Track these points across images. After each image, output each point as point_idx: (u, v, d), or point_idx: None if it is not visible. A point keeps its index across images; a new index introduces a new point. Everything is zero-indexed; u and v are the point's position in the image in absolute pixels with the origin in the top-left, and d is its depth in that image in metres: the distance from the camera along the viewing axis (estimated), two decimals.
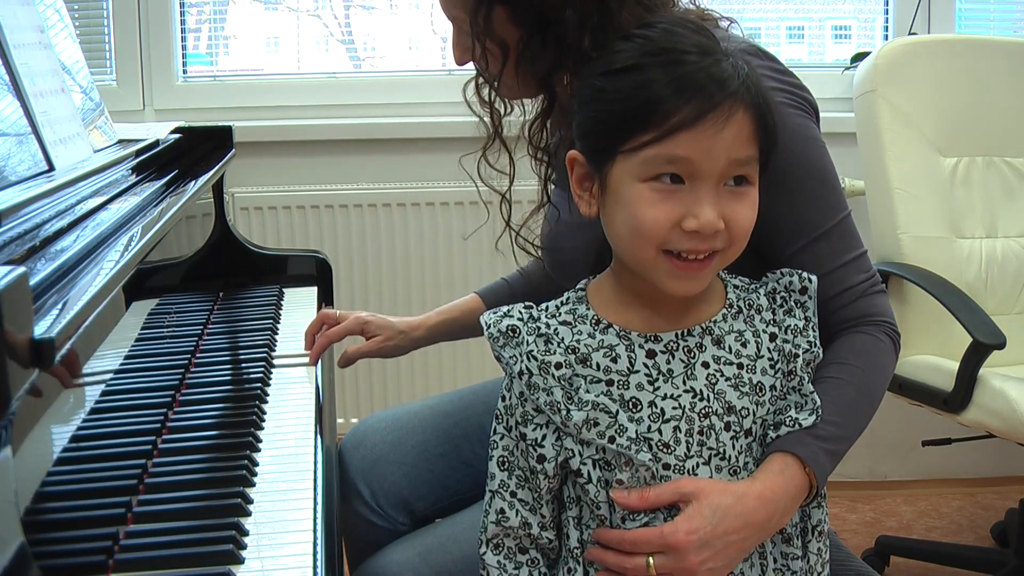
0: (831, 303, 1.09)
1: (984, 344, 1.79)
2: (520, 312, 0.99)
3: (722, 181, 0.92)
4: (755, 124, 0.93)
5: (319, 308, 1.72)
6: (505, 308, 1.00)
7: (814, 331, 1.03)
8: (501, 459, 1.01)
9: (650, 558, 0.95)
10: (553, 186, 1.25)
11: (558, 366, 0.96)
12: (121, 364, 1.10)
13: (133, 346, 1.16)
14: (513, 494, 1.00)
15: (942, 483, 2.67)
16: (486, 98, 1.25)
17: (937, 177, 2.11)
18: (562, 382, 0.96)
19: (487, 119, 1.24)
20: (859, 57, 2.39)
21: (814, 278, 1.04)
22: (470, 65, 1.26)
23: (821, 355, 1.04)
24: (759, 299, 1.03)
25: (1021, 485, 2.59)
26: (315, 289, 1.80)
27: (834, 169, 1.12)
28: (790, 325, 1.02)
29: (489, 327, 0.99)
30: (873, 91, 2.08)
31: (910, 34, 2.53)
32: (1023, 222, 2.18)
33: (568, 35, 1.08)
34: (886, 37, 2.69)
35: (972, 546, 2.38)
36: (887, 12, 2.70)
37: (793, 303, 1.03)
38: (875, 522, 2.50)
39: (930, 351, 2.00)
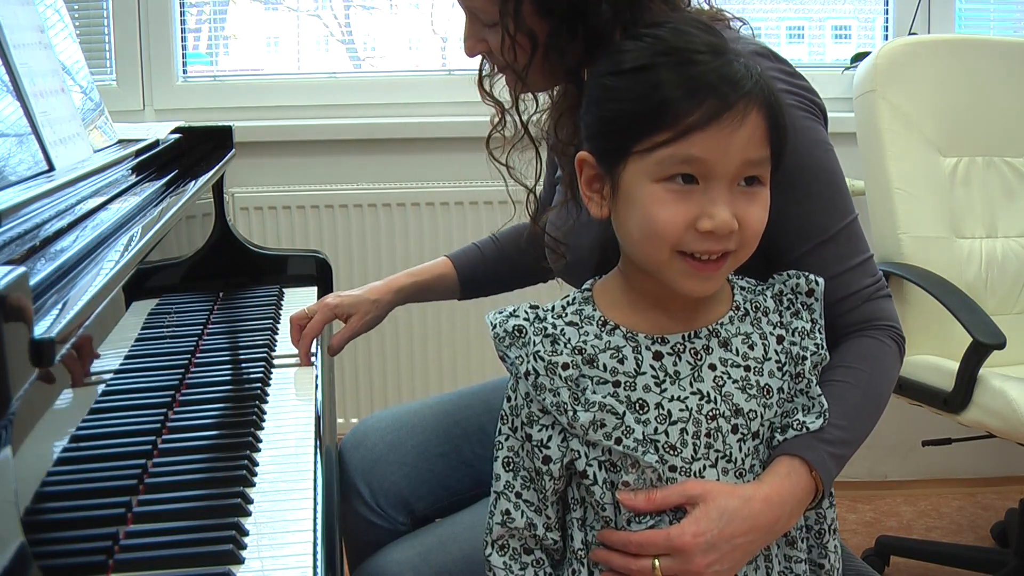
0: (837, 307, 1.09)
1: (984, 344, 1.79)
2: (526, 312, 0.99)
3: (735, 181, 0.92)
4: (768, 124, 0.93)
5: None
6: (511, 308, 1.00)
7: (821, 333, 1.03)
8: (506, 460, 1.01)
9: (656, 560, 0.95)
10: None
11: (565, 367, 0.96)
12: (121, 364, 1.10)
13: (133, 346, 1.16)
14: (519, 495, 1.00)
15: (942, 483, 2.67)
16: (488, 91, 1.25)
17: (937, 177, 2.11)
18: (569, 383, 0.95)
19: (513, 115, 1.22)
20: (859, 57, 2.39)
21: (821, 280, 1.04)
22: (472, 64, 1.25)
23: (828, 357, 1.03)
24: (766, 301, 1.03)
25: (1021, 485, 2.59)
26: (315, 289, 1.80)
27: (842, 172, 1.12)
28: (797, 327, 1.02)
29: (495, 327, 0.98)
30: (873, 91, 2.08)
31: (910, 34, 2.53)
32: (1023, 222, 2.18)
33: (600, 28, 1.07)
34: (886, 37, 2.69)
35: (972, 546, 2.38)
36: (887, 12, 2.70)
37: (800, 305, 1.03)
38: (875, 522, 2.50)
39: (930, 351, 2.00)
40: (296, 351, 1.44)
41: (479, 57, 1.22)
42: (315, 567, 0.88)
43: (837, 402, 1.03)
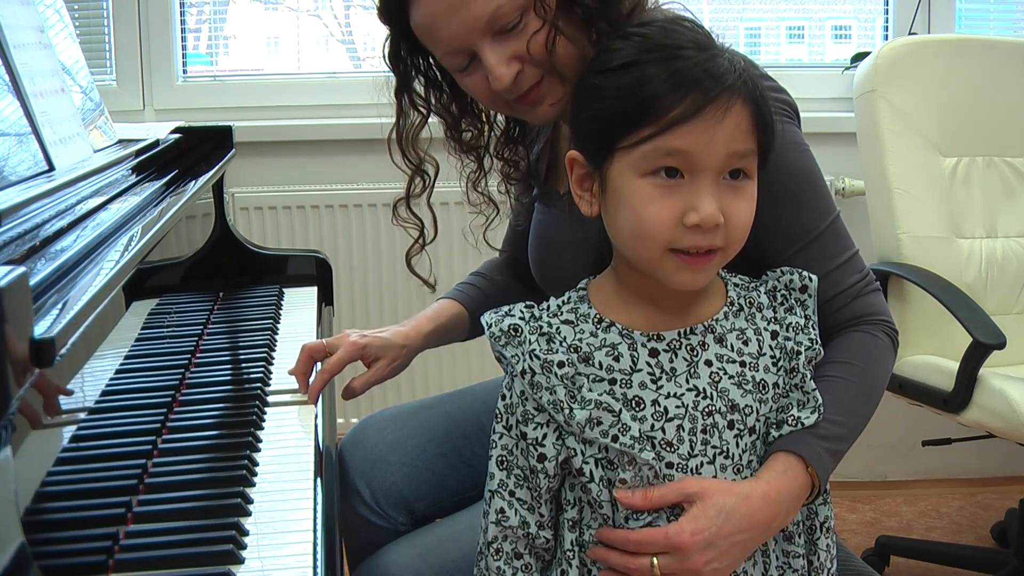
0: (828, 306, 1.09)
1: (984, 344, 1.79)
2: (521, 311, 1.00)
3: (721, 175, 0.92)
4: (753, 117, 0.93)
5: (319, 308, 1.72)
6: (506, 308, 1.00)
7: (814, 329, 1.03)
8: (500, 458, 1.01)
9: (654, 558, 0.95)
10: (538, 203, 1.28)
11: (560, 365, 0.96)
12: (121, 364, 1.10)
13: (133, 346, 1.16)
14: (512, 493, 1.00)
15: (942, 483, 2.67)
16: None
17: (937, 177, 2.11)
18: (565, 381, 0.96)
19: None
20: (859, 57, 2.39)
21: (814, 277, 1.04)
22: None
23: (822, 352, 1.04)
24: (760, 297, 1.03)
25: (1021, 485, 2.59)
26: (315, 289, 1.80)
27: (820, 171, 1.12)
28: (791, 323, 1.03)
29: (491, 326, 0.99)
30: (873, 91, 2.08)
31: (910, 34, 2.53)
32: (1023, 222, 2.18)
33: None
34: (886, 37, 2.69)
35: (972, 546, 2.38)
36: (887, 12, 2.70)
37: (794, 301, 1.04)
38: (875, 522, 2.50)
39: (930, 351, 2.00)
40: (299, 351, 1.39)
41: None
42: (315, 567, 0.88)
43: (832, 398, 1.03)
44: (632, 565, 0.95)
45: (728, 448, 0.97)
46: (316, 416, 1.23)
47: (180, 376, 1.28)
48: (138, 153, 1.43)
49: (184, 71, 2.62)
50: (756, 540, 0.98)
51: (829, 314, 1.09)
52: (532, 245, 1.31)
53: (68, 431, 0.89)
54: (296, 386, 1.30)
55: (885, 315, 1.12)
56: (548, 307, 1.01)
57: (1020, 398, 1.75)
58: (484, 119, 1.28)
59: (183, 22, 2.61)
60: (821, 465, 1.00)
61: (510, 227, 1.43)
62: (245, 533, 0.91)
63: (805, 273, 1.04)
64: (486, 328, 0.99)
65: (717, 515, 0.94)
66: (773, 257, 1.09)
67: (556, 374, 0.96)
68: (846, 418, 1.03)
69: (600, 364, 0.97)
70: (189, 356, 1.36)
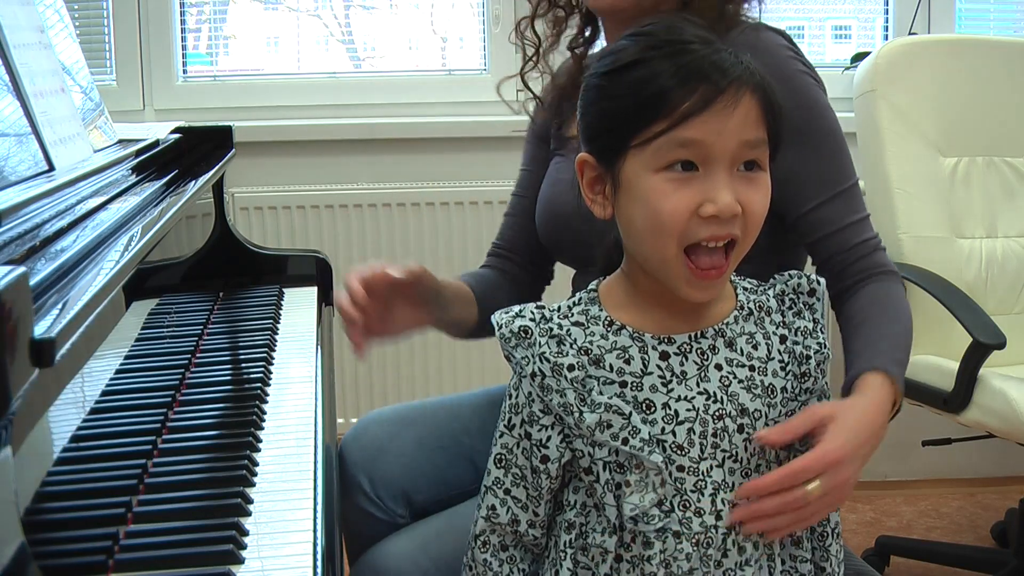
0: (852, 252, 1.19)
1: (984, 344, 1.79)
2: (532, 312, 0.99)
3: (735, 165, 0.92)
4: (762, 107, 0.94)
5: (319, 308, 1.72)
6: (517, 308, 1.00)
7: (823, 332, 1.04)
8: (499, 456, 1.01)
9: (809, 484, 0.97)
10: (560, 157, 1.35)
11: (571, 368, 0.96)
12: (121, 364, 1.10)
13: (133, 346, 1.16)
14: (507, 491, 1.00)
15: (942, 483, 2.67)
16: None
17: (937, 177, 2.11)
18: (575, 384, 0.96)
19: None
20: (859, 57, 2.39)
21: (823, 280, 1.05)
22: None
23: (831, 356, 1.04)
24: (768, 301, 1.03)
25: (1021, 485, 2.59)
26: (315, 289, 1.80)
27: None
28: (799, 327, 1.03)
29: (501, 327, 0.99)
30: (873, 91, 2.08)
31: (910, 34, 2.53)
32: (1023, 222, 2.18)
33: None
34: (886, 37, 2.70)
35: (972, 546, 2.38)
36: (887, 12, 2.70)
37: (802, 305, 1.04)
38: (875, 522, 2.50)
39: (930, 351, 2.00)
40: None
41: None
42: (315, 567, 0.88)
43: (883, 332, 1.13)
44: (789, 499, 0.96)
45: (737, 452, 0.98)
46: (316, 416, 1.23)
47: (180, 376, 1.28)
48: (138, 153, 1.43)
49: (184, 71, 2.62)
50: (871, 453, 1.04)
51: (853, 261, 1.19)
52: (544, 193, 1.38)
53: (68, 431, 0.89)
54: (295, 385, 1.30)
55: (897, 271, 1.23)
56: (559, 308, 1.01)
57: (1020, 398, 1.75)
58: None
59: (183, 22, 2.61)
60: (900, 378, 1.09)
61: (507, 218, 1.46)
62: (245, 533, 0.91)
63: (813, 277, 1.04)
64: (496, 328, 0.99)
65: (852, 429, 1.00)
66: (800, 206, 1.19)
67: (566, 377, 0.96)
68: (904, 355, 1.13)
69: (610, 367, 0.97)
70: (189, 356, 1.36)
